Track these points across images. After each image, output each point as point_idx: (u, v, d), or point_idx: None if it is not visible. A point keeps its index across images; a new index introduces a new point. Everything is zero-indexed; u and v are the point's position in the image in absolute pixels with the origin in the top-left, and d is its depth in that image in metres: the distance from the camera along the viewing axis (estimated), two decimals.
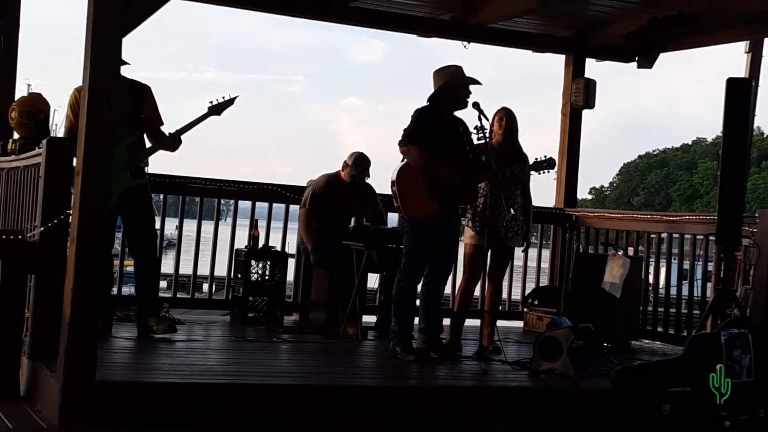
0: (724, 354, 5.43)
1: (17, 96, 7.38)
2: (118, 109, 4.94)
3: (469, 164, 6.14)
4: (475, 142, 6.25)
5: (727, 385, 5.37)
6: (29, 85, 26.83)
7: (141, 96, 6.27)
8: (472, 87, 6.18)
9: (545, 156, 6.62)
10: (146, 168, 6.45)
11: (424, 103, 6.22)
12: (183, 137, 6.29)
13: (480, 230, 6.55)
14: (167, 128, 6.35)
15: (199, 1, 7.99)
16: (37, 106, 6.78)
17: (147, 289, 6.34)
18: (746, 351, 5.52)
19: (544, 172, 6.69)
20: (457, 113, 6.24)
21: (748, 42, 9.44)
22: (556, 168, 6.80)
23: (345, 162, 7.49)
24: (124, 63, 6.10)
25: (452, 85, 6.14)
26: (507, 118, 6.81)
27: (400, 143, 6.08)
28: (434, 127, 6.10)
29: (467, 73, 6.18)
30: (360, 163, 7.42)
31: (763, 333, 5.87)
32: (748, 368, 5.49)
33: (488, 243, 6.42)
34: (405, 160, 6.11)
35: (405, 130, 6.10)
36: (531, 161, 6.67)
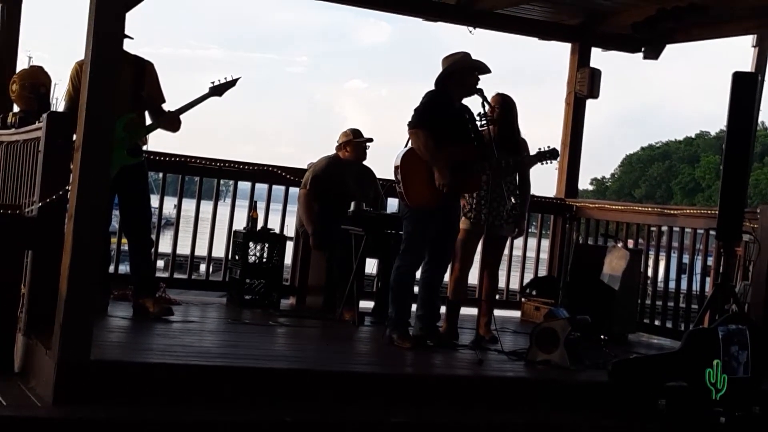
0: (721, 350, 5.42)
1: (18, 68, 7.35)
2: (119, 85, 4.89)
3: (474, 152, 6.09)
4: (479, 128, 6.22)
5: (723, 381, 5.36)
6: (30, 58, 26.71)
7: (143, 72, 6.20)
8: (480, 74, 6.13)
9: (549, 146, 6.59)
10: (145, 146, 6.41)
11: (428, 87, 6.19)
12: (183, 117, 6.25)
13: (474, 217, 6.52)
14: (169, 106, 6.30)
15: None
16: (39, 79, 6.74)
17: (142, 269, 6.30)
18: (743, 347, 5.50)
19: (546, 163, 6.66)
20: (465, 100, 6.20)
21: (755, 36, 9.36)
22: (558, 158, 6.77)
23: (341, 143, 7.47)
24: (128, 37, 6.05)
25: (460, 69, 6.08)
26: (500, 105, 6.73)
27: (410, 124, 6.02)
28: (444, 112, 6.05)
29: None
30: (358, 133, 7.43)
31: (761, 329, 5.85)
32: (745, 365, 5.47)
33: (481, 231, 6.40)
34: (409, 143, 6.06)
35: (416, 110, 6.04)
36: (534, 150, 6.64)
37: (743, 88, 6.65)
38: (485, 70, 6.13)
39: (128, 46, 6.01)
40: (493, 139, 6.41)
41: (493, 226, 6.57)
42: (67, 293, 4.55)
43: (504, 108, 6.72)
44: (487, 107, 6.16)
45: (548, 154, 6.57)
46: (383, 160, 7.08)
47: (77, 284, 4.55)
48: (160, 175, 7.83)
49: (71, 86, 6.12)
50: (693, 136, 75.06)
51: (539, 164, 6.70)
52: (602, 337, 6.78)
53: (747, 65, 9.47)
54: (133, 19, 5.85)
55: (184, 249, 8.36)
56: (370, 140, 7.53)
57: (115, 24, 4.72)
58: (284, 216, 8.09)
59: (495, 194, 6.44)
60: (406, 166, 6.03)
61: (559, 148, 6.82)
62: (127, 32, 5.91)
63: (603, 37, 9.12)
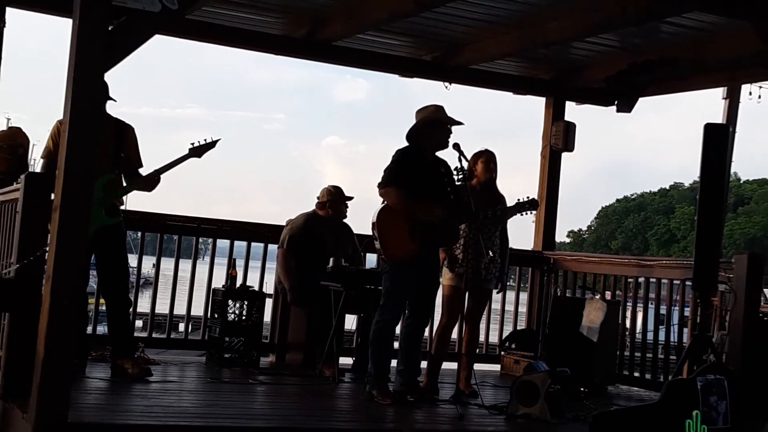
0: (700, 400, 5.42)
1: None
2: (100, 145, 4.90)
3: (451, 206, 6.13)
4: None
5: None
6: (8, 119, 26.76)
7: (123, 135, 6.26)
8: (453, 127, 6.20)
9: (528, 197, 6.65)
10: (123, 206, 6.41)
11: (404, 142, 6.24)
12: (162, 177, 6.28)
13: (458, 272, 6.54)
14: (146, 167, 6.34)
15: (181, 37, 8.03)
16: (17, 140, 6.76)
17: (120, 329, 6.28)
18: (722, 397, 5.51)
19: (526, 213, 6.71)
20: (440, 154, 6.26)
21: (726, 88, 9.55)
22: (537, 208, 6.82)
23: (320, 201, 7.51)
24: (111, 99, 6.12)
25: (433, 123, 6.15)
26: (491, 161, 6.84)
27: (380, 185, 6.08)
28: (416, 168, 6.10)
29: (448, 114, 6.21)
30: (340, 192, 7.48)
31: (739, 379, 5.88)
32: (725, 415, 5.48)
33: (467, 285, 6.41)
34: (385, 201, 6.11)
35: (385, 170, 6.10)
36: (512, 202, 6.69)
37: (715, 139, 6.74)
38: (455, 122, 6.19)
39: (110, 108, 6.08)
40: (477, 192, 6.48)
41: (479, 279, 6.61)
42: (44, 355, 4.50)
43: (493, 164, 6.82)
44: (463, 161, 6.21)
45: (528, 205, 6.62)
46: (362, 215, 7.13)
47: (54, 346, 4.51)
48: (139, 233, 7.82)
49: (51, 143, 6.15)
50: (667, 187, 75.80)
51: (519, 215, 6.75)
52: (582, 389, 6.79)
53: (718, 117, 9.66)
54: (111, 79, 5.92)
55: (162, 308, 8.30)
56: (350, 198, 7.58)
57: (95, 86, 4.76)
58: (263, 273, 8.08)
59: (474, 248, 6.47)
60: (383, 222, 6.06)
61: None
62: (110, 94, 6.00)
63: (577, 91, 9.27)
